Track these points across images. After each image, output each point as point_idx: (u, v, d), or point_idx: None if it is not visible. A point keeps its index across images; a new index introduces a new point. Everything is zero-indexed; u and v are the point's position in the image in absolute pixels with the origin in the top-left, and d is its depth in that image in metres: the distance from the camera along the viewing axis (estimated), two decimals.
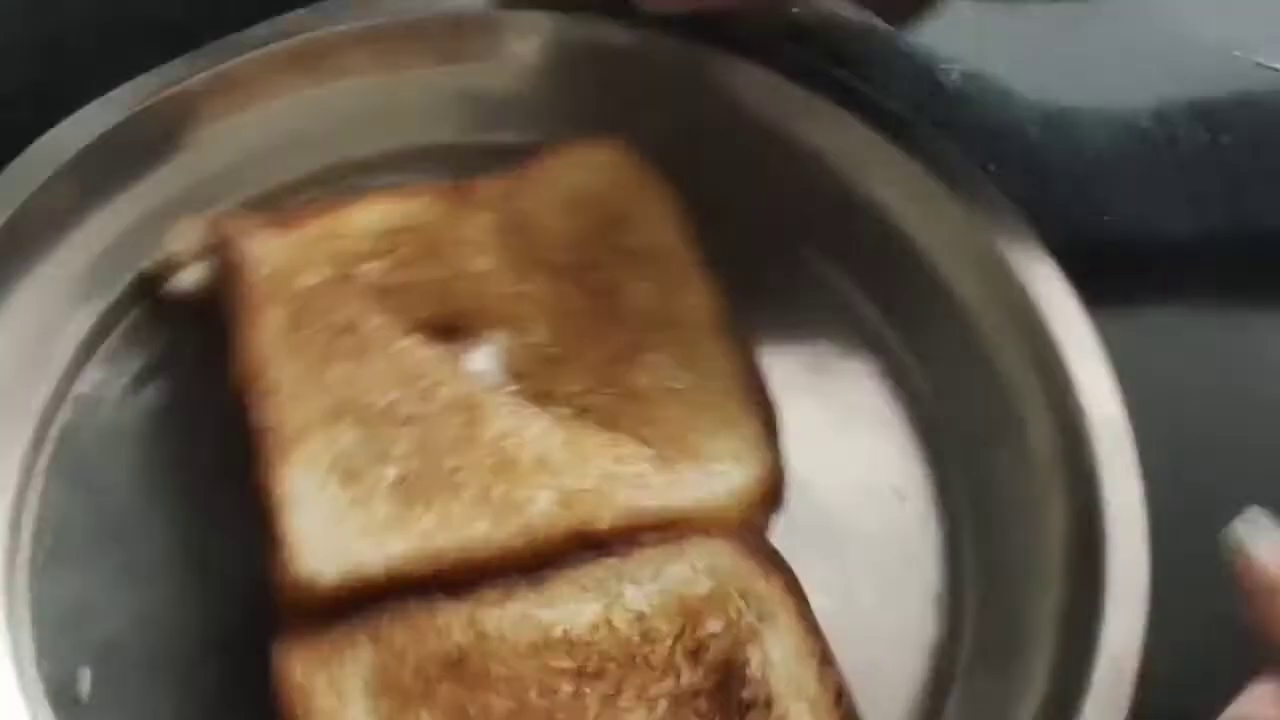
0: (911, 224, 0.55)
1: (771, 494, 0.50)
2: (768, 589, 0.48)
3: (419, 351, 0.51)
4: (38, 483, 0.51)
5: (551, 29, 0.58)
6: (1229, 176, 0.61)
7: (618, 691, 0.46)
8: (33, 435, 0.52)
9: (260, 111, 0.57)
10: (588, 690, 0.46)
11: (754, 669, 0.46)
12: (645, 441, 0.50)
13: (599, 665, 0.46)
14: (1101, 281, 0.52)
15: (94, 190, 0.54)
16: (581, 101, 0.59)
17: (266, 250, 0.52)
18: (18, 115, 0.56)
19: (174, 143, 0.55)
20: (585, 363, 0.52)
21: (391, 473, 0.48)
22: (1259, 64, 0.64)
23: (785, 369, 0.54)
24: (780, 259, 0.57)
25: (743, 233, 0.57)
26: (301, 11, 0.57)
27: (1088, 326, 0.51)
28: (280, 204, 0.56)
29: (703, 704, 0.46)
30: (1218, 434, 0.55)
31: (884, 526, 0.52)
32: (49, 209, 0.53)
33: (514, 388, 0.51)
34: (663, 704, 0.46)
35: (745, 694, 0.46)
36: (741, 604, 0.48)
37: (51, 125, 0.53)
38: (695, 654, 0.47)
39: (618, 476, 0.49)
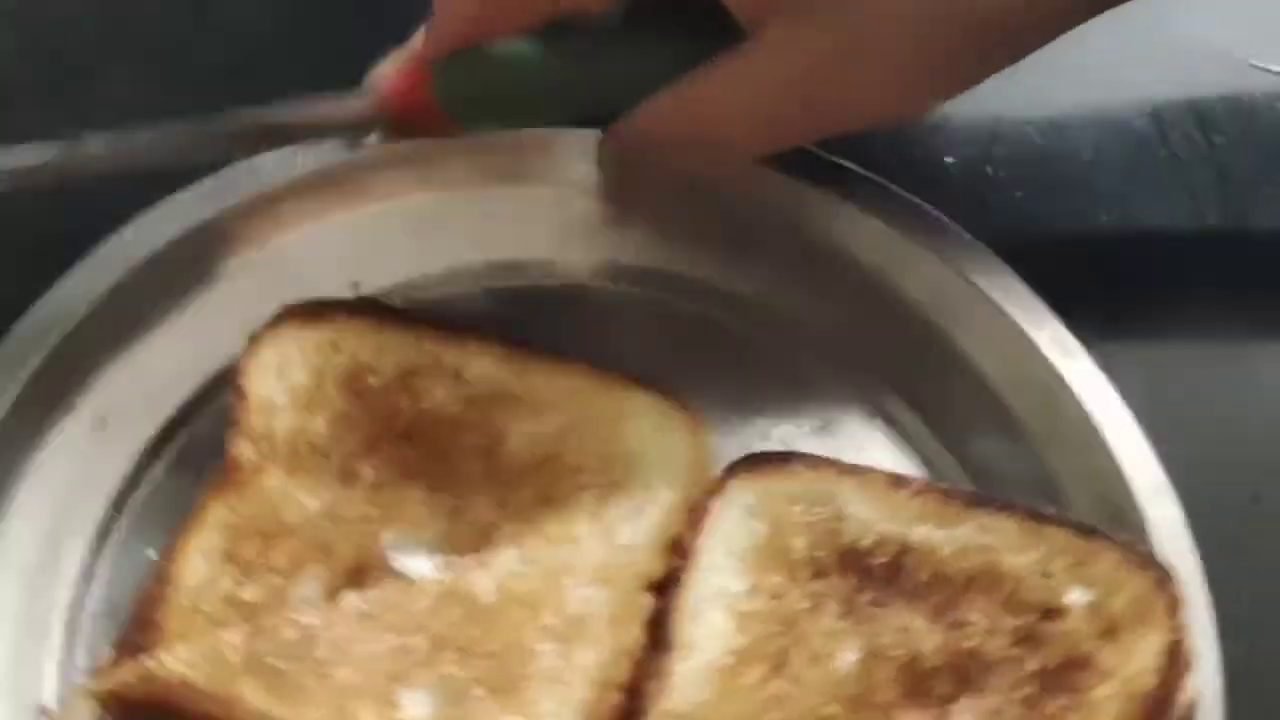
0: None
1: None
2: None
3: (365, 601, 0.47)
4: None
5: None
6: (1223, 176, 0.62)
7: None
8: None
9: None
10: None
11: None
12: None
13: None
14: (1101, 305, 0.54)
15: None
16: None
17: (176, 660, 0.46)
18: None
19: (208, 270, 0.54)
20: (489, 499, 0.50)
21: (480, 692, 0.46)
22: (1252, 65, 0.65)
23: None
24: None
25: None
26: None
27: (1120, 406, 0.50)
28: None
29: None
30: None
31: None
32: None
33: (459, 557, 0.49)
34: None
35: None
36: None
37: None
38: None
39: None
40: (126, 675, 0.46)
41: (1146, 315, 0.59)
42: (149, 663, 0.46)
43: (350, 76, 0.52)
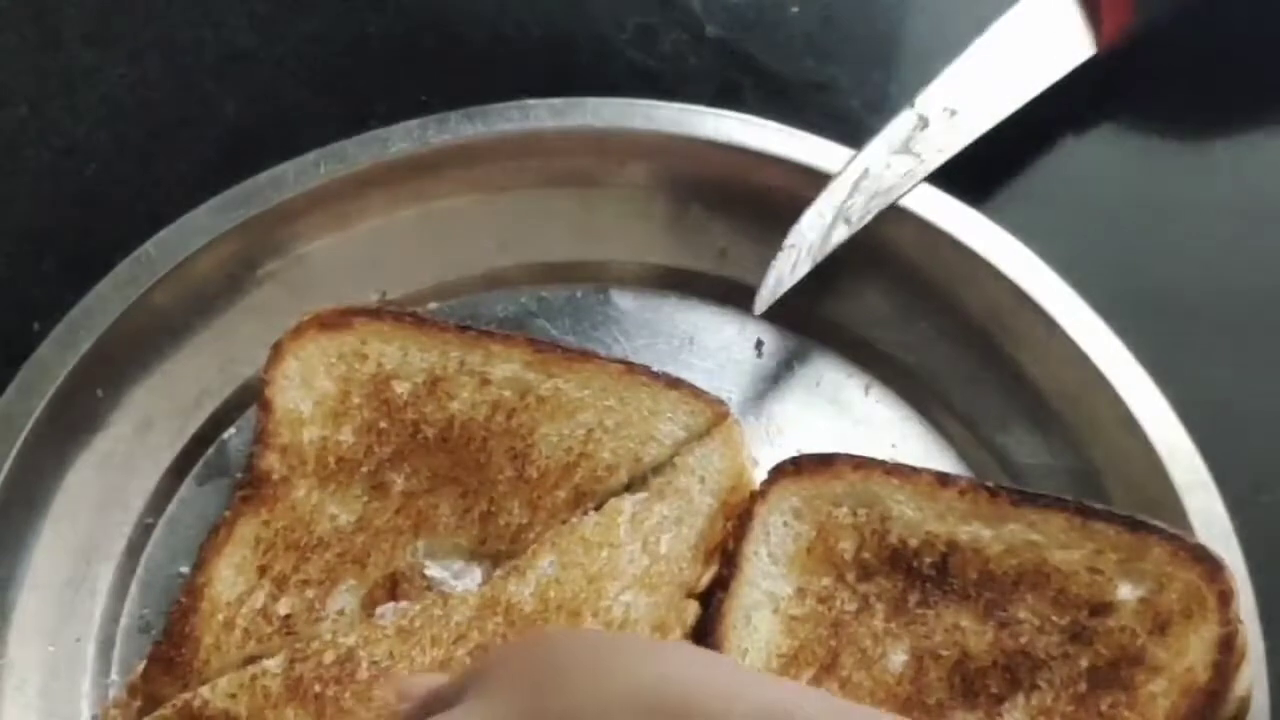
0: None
1: None
2: None
3: (403, 615, 0.47)
4: None
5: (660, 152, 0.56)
6: None
7: None
8: None
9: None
10: None
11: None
12: None
13: None
14: None
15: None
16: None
17: (219, 694, 0.46)
18: None
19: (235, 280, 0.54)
20: (521, 503, 0.49)
21: None
22: None
23: None
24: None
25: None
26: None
27: None
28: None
29: None
30: None
31: None
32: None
33: (493, 564, 0.48)
34: None
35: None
36: None
37: None
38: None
39: None
40: (169, 713, 0.45)
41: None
42: (192, 699, 0.45)
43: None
